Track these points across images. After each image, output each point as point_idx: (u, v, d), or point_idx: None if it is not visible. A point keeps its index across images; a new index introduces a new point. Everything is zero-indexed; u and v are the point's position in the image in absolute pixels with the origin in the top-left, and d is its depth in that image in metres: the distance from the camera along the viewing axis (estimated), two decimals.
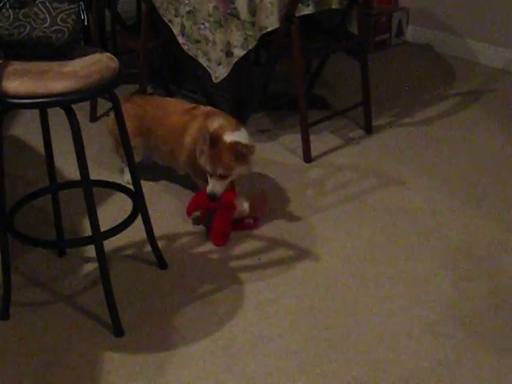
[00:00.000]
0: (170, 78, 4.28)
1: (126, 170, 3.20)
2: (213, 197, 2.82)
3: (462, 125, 3.86)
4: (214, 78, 3.40)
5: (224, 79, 3.40)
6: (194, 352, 2.36)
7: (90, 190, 2.29)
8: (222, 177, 2.81)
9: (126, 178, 3.23)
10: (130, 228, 2.51)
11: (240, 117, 3.69)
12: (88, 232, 2.46)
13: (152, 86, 4.23)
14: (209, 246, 2.88)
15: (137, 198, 2.57)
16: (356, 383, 2.23)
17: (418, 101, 4.13)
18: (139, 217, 2.58)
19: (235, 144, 2.79)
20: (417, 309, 2.54)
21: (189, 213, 2.97)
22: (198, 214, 2.97)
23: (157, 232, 2.74)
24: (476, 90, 4.29)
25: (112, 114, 3.12)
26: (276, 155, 3.48)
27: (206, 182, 2.92)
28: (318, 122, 3.63)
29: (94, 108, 3.89)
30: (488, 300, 2.58)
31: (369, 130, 3.77)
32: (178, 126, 3.09)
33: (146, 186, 2.89)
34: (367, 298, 2.60)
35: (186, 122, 3.08)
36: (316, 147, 3.56)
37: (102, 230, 2.38)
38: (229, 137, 2.81)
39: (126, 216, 2.52)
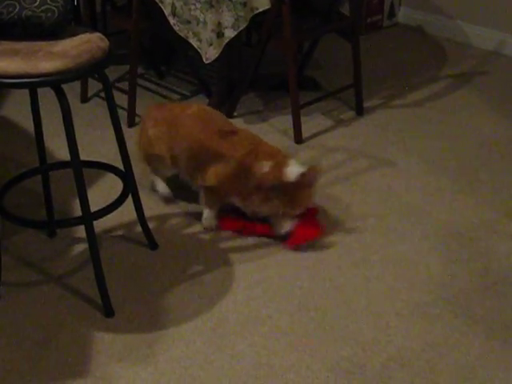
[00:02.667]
0: (161, 59, 4.27)
1: (158, 181, 2.98)
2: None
3: (453, 107, 3.86)
4: (204, 59, 3.38)
5: (215, 60, 3.39)
6: (184, 332, 2.37)
7: (80, 170, 2.28)
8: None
9: (160, 190, 2.98)
10: (120, 209, 2.51)
11: (231, 98, 3.69)
12: (78, 213, 2.46)
13: (143, 66, 4.21)
14: (199, 227, 2.88)
15: (127, 178, 2.57)
16: (345, 363, 2.25)
17: (409, 83, 4.13)
18: (130, 197, 2.58)
19: (307, 178, 2.65)
20: (406, 290, 2.55)
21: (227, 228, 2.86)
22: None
23: (147, 213, 2.74)
24: (467, 72, 4.29)
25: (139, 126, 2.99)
26: (267, 137, 3.45)
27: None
28: (309, 103, 3.63)
29: (84, 89, 3.87)
30: (477, 281, 2.59)
31: (360, 111, 3.77)
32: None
33: (136, 166, 2.88)
34: (357, 278, 2.61)
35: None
36: (307, 129, 3.56)
37: (92, 210, 2.38)
38: (292, 173, 2.64)
39: (116, 197, 2.52)
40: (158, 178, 2.98)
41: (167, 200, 2.98)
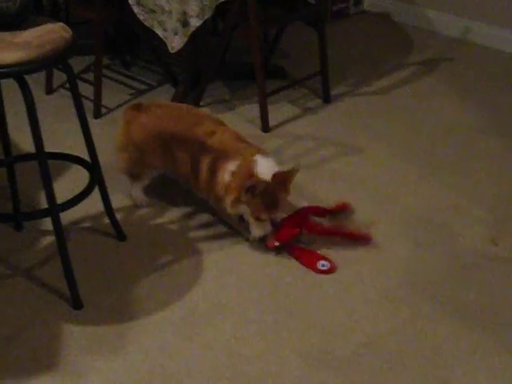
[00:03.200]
0: (126, 49, 4.23)
1: (136, 188, 2.94)
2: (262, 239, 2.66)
3: (419, 93, 3.89)
4: (170, 49, 3.37)
5: (181, 49, 3.38)
6: (154, 322, 2.36)
7: (46, 162, 2.27)
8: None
9: (137, 198, 2.94)
10: (87, 200, 2.50)
11: (197, 87, 3.68)
12: (45, 205, 2.44)
13: (108, 57, 4.18)
14: (167, 218, 2.87)
15: (93, 169, 2.56)
16: (315, 350, 2.26)
17: (375, 70, 4.15)
18: (97, 189, 2.56)
19: (281, 177, 2.60)
20: (374, 275, 2.57)
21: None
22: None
23: (115, 204, 2.73)
24: (433, 59, 4.32)
25: (119, 126, 2.90)
26: (234, 125, 3.45)
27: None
28: (276, 91, 3.63)
29: (49, 80, 3.83)
30: (444, 265, 2.62)
31: (327, 99, 3.77)
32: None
33: (103, 157, 2.86)
34: None
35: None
36: (274, 117, 3.56)
37: (59, 202, 2.37)
38: (266, 172, 2.60)
39: (83, 188, 2.51)
40: (138, 184, 2.92)
41: (142, 206, 2.95)
